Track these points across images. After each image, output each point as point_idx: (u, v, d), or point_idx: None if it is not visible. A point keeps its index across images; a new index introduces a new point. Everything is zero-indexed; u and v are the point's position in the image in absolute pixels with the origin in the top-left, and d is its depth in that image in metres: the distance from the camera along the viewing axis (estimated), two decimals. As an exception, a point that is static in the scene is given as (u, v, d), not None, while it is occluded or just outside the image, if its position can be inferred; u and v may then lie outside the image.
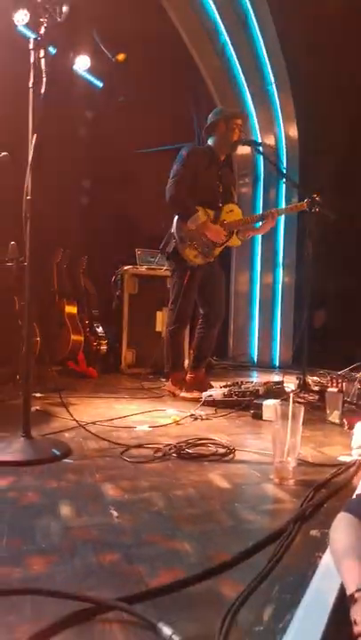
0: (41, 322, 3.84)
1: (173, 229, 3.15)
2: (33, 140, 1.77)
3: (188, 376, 3.31)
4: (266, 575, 0.99)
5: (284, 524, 1.20)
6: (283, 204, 5.47)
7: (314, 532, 1.20)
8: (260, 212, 3.34)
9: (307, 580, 0.98)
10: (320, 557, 1.07)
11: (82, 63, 4.94)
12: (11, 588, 0.88)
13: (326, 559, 1.06)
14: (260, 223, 3.30)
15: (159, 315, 4.40)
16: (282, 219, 5.46)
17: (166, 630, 0.78)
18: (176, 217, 3.15)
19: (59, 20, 1.91)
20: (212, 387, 3.12)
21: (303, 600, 0.91)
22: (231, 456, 1.83)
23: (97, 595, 0.90)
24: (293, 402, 1.56)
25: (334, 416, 2.49)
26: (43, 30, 1.80)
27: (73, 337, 4.04)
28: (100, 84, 5.40)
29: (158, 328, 4.39)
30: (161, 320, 4.38)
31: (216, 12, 4.86)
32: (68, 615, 0.81)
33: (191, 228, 3.09)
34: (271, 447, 1.62)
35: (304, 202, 3.15)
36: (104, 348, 4.38)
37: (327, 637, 0.82)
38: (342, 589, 0.92)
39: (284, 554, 1.08)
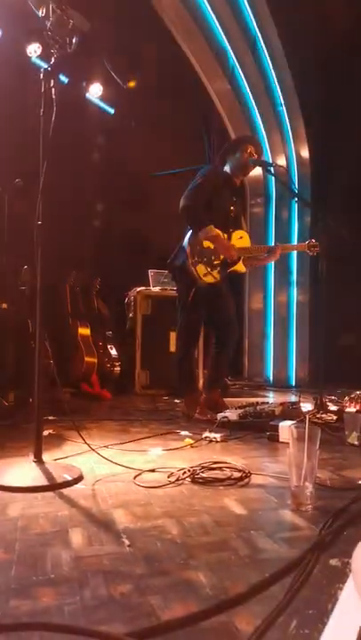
0: (54, 344, 3.85)
1: (185, 243, 3.12)
2: (44, 166, 1.80)
3: (203, 397, 3.27)
4: (283, 608, 0.94)
5: (301, 553, 1.15)
6: (295, 224, 5.48)
7: (334, 562, 1.15)
8: (270, 244, 3.41)
9: (327, 614, 0.93)
10: (340, 589, 1.02)
11: (94, 91, 5.08)
12: (17, 623, 0.85)
13: (348, 591, 1.01)
14: (266, 254, 3.32)
15: (173, 335, 4.37)
16: (295, 236, 5.46)
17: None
18: (189, 232, 3.13)
19: (69, 50, 1.96)
20: (227, 408, 3.07)
21: (323, 635, 0.87)
22: (247, 480, 1.79)
23: (107, 629, 0.87)
24: (310, 423, 1.52)
25: (353, 437, 2.42)
26: (53, 61, 1.84)
27: (86, 359, 4.04)
28: (112, 111, 5.52)
29: (172, 349, 4.37)
30: (175, 341, 4.36)
31: (224, 36, 4.96)
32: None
33: (205, 242, 3.06)
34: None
35: (305, 244, 3.30)
36: (118, 369, 4.37)
37: None
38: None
39: (302, 585, 1.03)
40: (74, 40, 1.85)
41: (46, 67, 1.83)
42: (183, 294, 3.18)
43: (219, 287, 3.17)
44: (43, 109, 1.79)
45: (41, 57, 3.57)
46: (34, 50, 3.15)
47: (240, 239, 3.25)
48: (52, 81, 1.83)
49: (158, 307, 4.41)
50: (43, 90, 1.80)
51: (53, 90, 1.84)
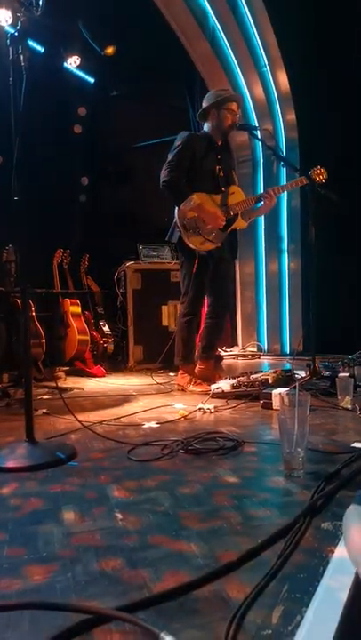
0: (45, 323, 3.82)
1: (176, 219, 3.09)
2: (17, 138, 1.73)
3: (197, 368, 3.26)
4: (274, 574, 0.95)
5: (293, 519, 1.16)
6: (284, 189, 5.37)
7: (325, 525, 1.15)
8: (259, 205, 3.26)
9: (318, 577, 0.93)
10: (332, 552, 1.03)
11: (72, 60, 4.90)
12: (7, 604, 0.85)
13: (339, 553, 1.02)
14: (261, 203, 3.23)
15: (165, 309, 4.36)
16: (284, 204, 5.37)
17: (169, 640, 0.75)
18: (177, 206, 3.09)
19: (37, 13, 1.86)
20: (221, 378, 3.07)
21: (314, 599, 0.87)
22: (240, 449, 1.79)
23: (98, 604, 0.87)
24: (300, 390, 1.51)
25: (346, 402, 2.43)
26: (20, 25, 1.75)
27: (79, 336, 4.01)
28: (92, 80, 5.34)
29: (165, 322, 4.36)
30: (167, 314, 4.34)
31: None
32: (65, 630, 0.78)
33: (189, 214, 3.01)
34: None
35: (303, 177, 3.11)
36: (111, 345, 4.36)
37: (340, 638, 0.78)
38: (355, 586, 0.88)
39: (293, 550, 1.03)
40: (40, 2, 1.75)
41: (13, 32, 1.74)
42: (187, 268, 3.13)
43: (220, 251, 3.14)
44: (12, 78, 1.71)
45: (12, 25, 3.41)
46: (3, 17, 3.00)
47: (232, 194, 3.19)
48: (21, 47, 1.75)
49: (149, 281, 4.37)
50: (11, 57, 1.72)
51: (23, 57, 1.76)
